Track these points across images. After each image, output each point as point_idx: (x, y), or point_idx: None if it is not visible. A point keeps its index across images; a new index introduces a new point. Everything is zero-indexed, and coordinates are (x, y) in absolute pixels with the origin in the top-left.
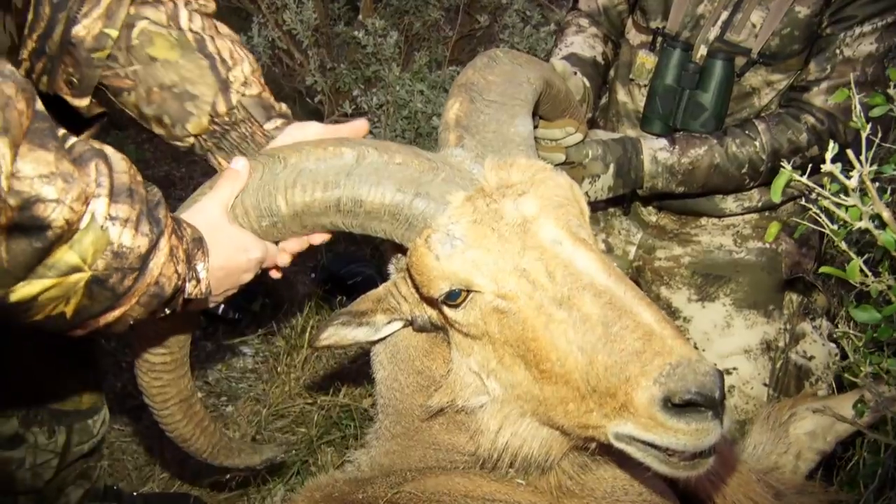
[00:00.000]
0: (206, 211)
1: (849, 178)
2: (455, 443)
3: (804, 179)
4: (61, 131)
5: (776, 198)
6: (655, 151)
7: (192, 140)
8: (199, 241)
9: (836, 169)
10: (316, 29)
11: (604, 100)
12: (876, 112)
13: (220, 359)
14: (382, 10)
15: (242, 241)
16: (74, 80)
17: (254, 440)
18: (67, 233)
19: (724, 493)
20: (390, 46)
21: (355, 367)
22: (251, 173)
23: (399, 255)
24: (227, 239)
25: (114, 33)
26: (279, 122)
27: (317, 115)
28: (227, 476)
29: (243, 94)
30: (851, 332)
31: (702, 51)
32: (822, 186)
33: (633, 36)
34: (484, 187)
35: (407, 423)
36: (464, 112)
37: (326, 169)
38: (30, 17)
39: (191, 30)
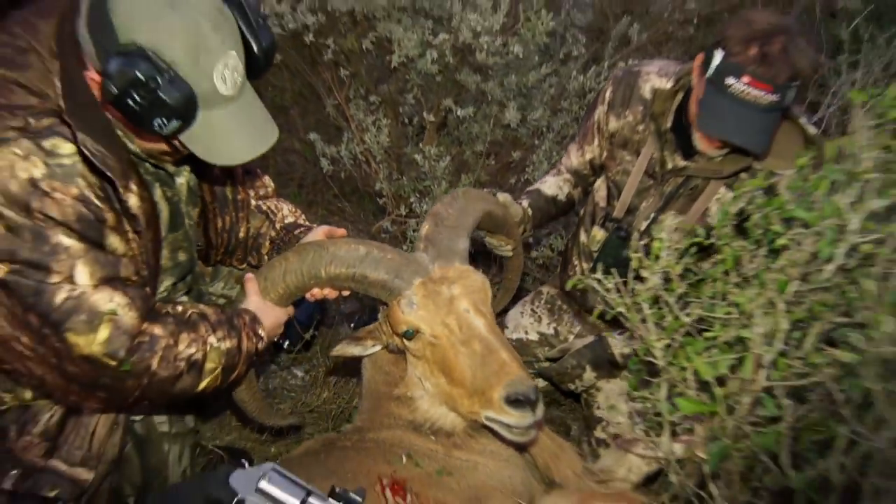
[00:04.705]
0: (252, 302)
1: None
2: (400, 413)
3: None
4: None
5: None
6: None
7: (265, 254)
8: (255, 318)
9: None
10: (387, 149)
11: (576, 223)
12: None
13: (278, 374)
14: (443, 139)
15: (275, 310)
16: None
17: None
18: (200, 361)
19: (558, 467)
20: (441, 168)
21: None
22: (303, 256)
23: (384, 306)
24: (269, 310)
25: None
26: (301, 229)
27: (381, 212)
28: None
29: (283, 223)
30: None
31: (635, 238)
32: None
33: (601, 197)
34: (433, 277)
35: (375, 401)
36: (430, 232)
37: (349, 256)
38: (220, 241)
39: (255, 204)
